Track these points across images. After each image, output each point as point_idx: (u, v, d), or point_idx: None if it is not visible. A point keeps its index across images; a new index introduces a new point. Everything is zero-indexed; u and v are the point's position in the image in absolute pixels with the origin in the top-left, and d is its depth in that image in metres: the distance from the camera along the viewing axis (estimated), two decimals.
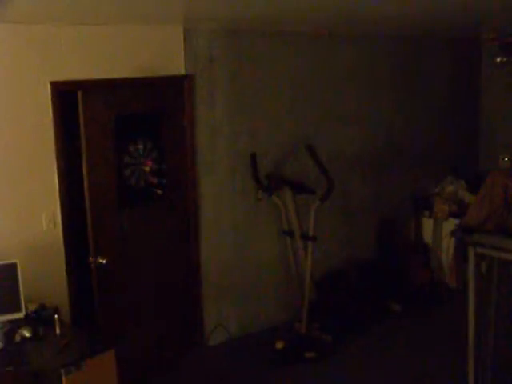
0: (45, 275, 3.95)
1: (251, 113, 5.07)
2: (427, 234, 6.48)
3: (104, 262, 4.13)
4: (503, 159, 6.91)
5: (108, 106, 4.19)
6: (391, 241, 6.38)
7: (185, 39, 4.56)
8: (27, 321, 3.59)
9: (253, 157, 4.97)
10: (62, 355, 3.30)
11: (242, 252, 5.16)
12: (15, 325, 3.52)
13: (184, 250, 4.79)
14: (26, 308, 3.62)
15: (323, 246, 5.49)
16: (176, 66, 4.55)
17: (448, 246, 6.16)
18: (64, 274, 4.07)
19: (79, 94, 3.99)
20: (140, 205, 4.51)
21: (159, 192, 4.61)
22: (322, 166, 5.00)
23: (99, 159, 4.17)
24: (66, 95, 4.01)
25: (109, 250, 4.21)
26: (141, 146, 4.45)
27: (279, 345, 4.98)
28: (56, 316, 3.56)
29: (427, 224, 6.47)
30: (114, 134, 4.25)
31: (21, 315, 3.56)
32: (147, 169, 4.51)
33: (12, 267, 3.52)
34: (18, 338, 3.45)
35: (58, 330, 3.53)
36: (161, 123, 4.56)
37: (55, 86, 3.91)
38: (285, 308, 5.44)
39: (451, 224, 5.90)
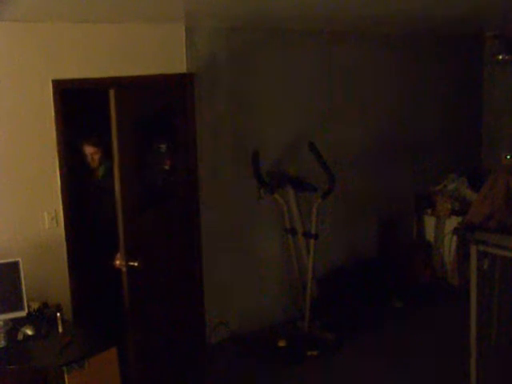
0: (47, 273, 3.95)
1: (253, 111, 5.06)
2: (429, 232, 6.47)
3: (136, 264, 4.09)
4: (506, 157, 6.90)
5: (136, 105, 4.11)
6: (393, 238, 6.37)
7: (187, 37, 4.56)
8: (30, 319, 3.59)
9: (255, 155, 4.96)
10: (64, 353, 3.31)
11: (245, 250, 5.16)
12: (18, 323, 3.52)
13: (186, 247, 4.79)
14: (29, 306, 3.62)
15: (325, 243, 5.49)
16: (178, 65, 4.55)
17: (450, 243, 6.16)
18: (66, 272, 4.07)
19: (111, 92, 3.90)
20: (160, 204, 4.53)
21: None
22: (324, 163, 5.00)
23: (125, 159, 4.04)
24: (67, 93, 4.00)
25: (138, 252, 4.12)
26: (163, 145, 4.50)
27: (281, 343, 4.99)
28: (58, 314, 3.56)
29: (429, 222, 6.47)
30: (137, 133, 4.17)
31: (23, 313, 3.56)
32: (167, 167, 4.54)
33: (14, 265, 3.52)
34: (20, 337, 3.45)
35: (60, 328, 3.53)
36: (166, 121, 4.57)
37: (57, 84, 3.90)
38: (287, 306, 5.44)
39: (453, 222, 5.90)
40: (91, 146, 4.53)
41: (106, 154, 4.48)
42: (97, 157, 4.56)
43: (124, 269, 4.04)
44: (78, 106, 4.08)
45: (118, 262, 4.17)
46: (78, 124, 4.52)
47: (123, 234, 3.99)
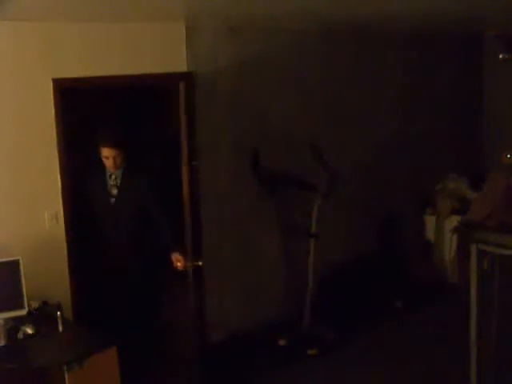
0: (47, 272, 3.94)
1: (254, 109, 5.06)
2: (429, 231, 6.47)
3: (200, 263, 4.08)
4: (506, 156, 6.89)
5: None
6: (394, 237, 6.37)
7: (187, 36, 4.55)
8: (30, 318, 3.59)
9: (255, 155, 4.97)
10: (64, 352, 3.32)
11: (245, 249, 5.15)
12: (18, 322, 3.52)
13: (187, 246, 4.79)
14: (29, 305, 3.62)
15: (326, 242, 5.48)
16: (178, 63, 4.54)
17: (450, 242, 6.16)
18: (66, 271, 4.07)
19: (181, 85, 3.90)
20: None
21: None
22: (325, 163, 5.00)
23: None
24: (68, 92, 4.00)
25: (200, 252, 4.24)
26: None
27: (282, 342, 4.99)
28: (58, 313, 3.56)
29: (429, 221, 6.47)
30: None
31: (23, 312, 3.56)
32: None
33: (15, 264, 3.52)
34: (20, 335, 3.45)
35: (60, 327, 3.53)
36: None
37: (57, 82, 3.90)
38: (288, 305, 5.44)
39: (453, 221, 5.89)
40: (113, 148, 4.18)
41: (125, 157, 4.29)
42: (119, 159, 4.22)
43: (191, 269, 4.07)
44: (90, 106, 4.09)
45: (179, 264, 4.16)
46: (90, 124, 4.50)
47: (192, 235, 4.11)
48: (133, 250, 4.38)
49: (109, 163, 4.24)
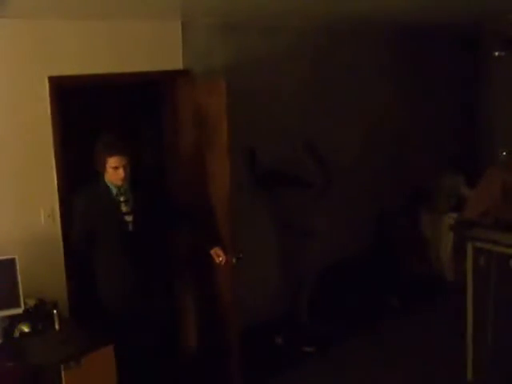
0: (43, 270, 3.93)
1: (250, 108, 5.05)
2: (426, 228, 6.48)
3: (241, 256, 4.11)
4: (502, 153, 6.91)
5: None
6: (390, 235, 6.38)
7: (183, 34, 4.54)
8: (26, 316, 3.58)
9: (252, 152, 4.97)
10: (61, 350, 3.31)
11: (242, 247, 5.15)
12: (14, 320, 3.52)
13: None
14: (25, 303, 3.61)
15: (322, 240, 5.49)
16: (174, 61, 4.54)
17: (447, 239, 6.17)
18: (63, 268, 4.06)
19: (224, 83, 3.93)
20: None
21: None
22: (321, 161, 5.00)
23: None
24: (64, 90, 3.99)
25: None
26: None
27: (278, 339, 4.99)
28: (55, 311, 3.56)
29: (426, 218, 6.48)
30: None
31: (20, 310, 3.55)
32: None
33: (11, 262, 3.51)
34: (17, 334, 3.45)
35: (57, 325, 3.53)
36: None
37: (53, 80, 3.89)
38: (284, 302, 5.45)
39: (450, 218, 5.91)
40: (124, 156, 3.56)
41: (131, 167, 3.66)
42: (128, 168, 3.60)
43: (234, 260, 4.13)
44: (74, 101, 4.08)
45: (221, 259, 4.06)
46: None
47: (230, 228, 4.17)
48: (147, 284, 3.85)
49: (118, 175, 3.58)
